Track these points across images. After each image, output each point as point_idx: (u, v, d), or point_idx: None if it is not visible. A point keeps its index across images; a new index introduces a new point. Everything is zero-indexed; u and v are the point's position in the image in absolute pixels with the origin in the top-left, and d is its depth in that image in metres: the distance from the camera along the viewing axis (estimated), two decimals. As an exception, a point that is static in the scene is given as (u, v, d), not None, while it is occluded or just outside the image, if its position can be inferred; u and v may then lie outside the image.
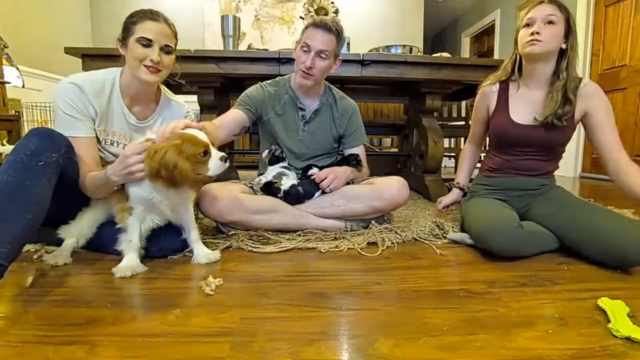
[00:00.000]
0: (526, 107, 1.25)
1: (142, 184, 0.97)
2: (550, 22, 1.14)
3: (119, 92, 1.14)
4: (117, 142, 1.16)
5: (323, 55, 1.32)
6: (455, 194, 1.54)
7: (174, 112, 1.27)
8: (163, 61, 1.09)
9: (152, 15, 1.08)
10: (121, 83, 1.14)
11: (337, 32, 1.33)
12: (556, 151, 1.27)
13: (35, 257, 1.07)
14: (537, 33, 1.13)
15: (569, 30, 1.16)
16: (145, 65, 1.07)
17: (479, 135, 1.48)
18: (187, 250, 1.12)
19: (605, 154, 1.18)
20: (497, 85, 1.34)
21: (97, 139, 1.13)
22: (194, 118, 1.32)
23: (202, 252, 1.07)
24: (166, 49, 1.10)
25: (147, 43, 1.06)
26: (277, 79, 1.53)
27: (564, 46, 1.17)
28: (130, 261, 0.97)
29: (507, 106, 1.29)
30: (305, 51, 1.33)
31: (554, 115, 1.17)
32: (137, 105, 1.18)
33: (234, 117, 1.39)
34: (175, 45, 1.15)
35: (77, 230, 1.06)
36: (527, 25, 1.18)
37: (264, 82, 1.51)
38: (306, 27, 1.35)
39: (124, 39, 1.09)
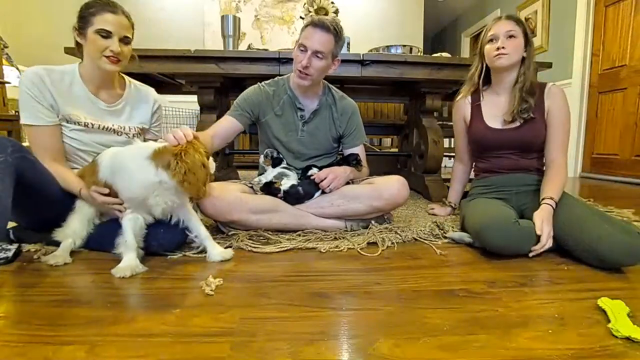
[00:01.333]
0: (497, 112, 1.38)
1: (134, 188, 0.99)
2: (511, 36, 1.29)
3: (80, 81, 1.18)
4: (91, 124, 1.19)
5: (319, 56, 1.31)
6: (446, 209, 1.69)
7: (141, 94, 1.34)
8: (123, 51, 1.14)
9: (110, 7, 1.11)
10: (82, 72, 1.19)
11: (335, 32, 1.32)
12: (533, 149, 1.35)
13: (35, 257, 1.06)
14: (503, 47, 1.28)
15: (527, 41, 1.31)
16: (105, 56, 1.12)
17: (464, 151, 1.57)
18: (198, 248, 1.13)
19: (548, 151, 1.32)
20: (469, 97, 1.47)
21: (74, 122, 1.16)
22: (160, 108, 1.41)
23: (215, 251, 1.08)
24: (125, 40, 1.15)
25: (106, 34, 1.10)
26: (276, 78, 1.53)
27: (524, 54, 1.32)
28: (129, 261, 0.97)
29: (481, 114, 1.41)
30: (302, 51, 1.32)
31: (517, 113, 1.30)
32: (102, 91, 1.23)
33: (228, 125, 1.41)
34: (133, 35, 1.19)
35: (71, 232, 1.07)
36: (491, 40, 1.32)
37: (262, 82, 1.51)
38: (305, 26, 1.34)
39: (81, 28, 1.12)
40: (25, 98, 1.10)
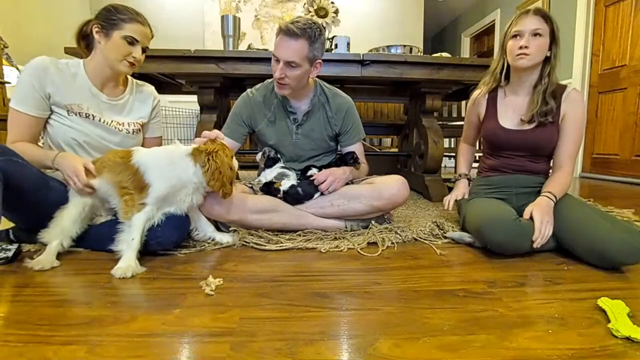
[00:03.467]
0: (513, 112, 1.33)
1: (173, 181, 1.06)
2: (537, 35, 1.20)
3: (85, 75, 1.21)
4: (92, 115, 1.21)
5: (293, 65, 1.27)
6: (462, 185, 1.52)
7: (142, 91, 1.37)
8: (141, 59, 1.23)
9: (140, 19, 1.20)
10: (87, 70, 1.22)
11: (308, 36, 1.25)
12: (544, 153, 1.31)
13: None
14: (526, 47, 1.19)
15: (554, 40, 1.22)
16: (128, 61, 1.19)
17: (472, 137, 1.56)
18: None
19: (557, 156, 1.29)
20: (487, 93, 1.41)
21: (76, 113, 1.17)
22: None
23: (225, 237, 1.22)
24: (144, 49, 1.23)
25: (132, 42, 1.18)
26: (265, 82, 1.51)
27: (548, 54, 1.24)
28: (128, 261, 0.97)
29: (496, 113, 1.37)
30: (276, 61, 1.29)
31: (537, 114, 1.25)
32: (105, 87, 1.26)
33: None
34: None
35: (58, 232, 1.04)
36: (515, 36, 1.23)
37: (252, 89, 1.50)
38: (276, 34, 1.30)
39: (105, 28, 1.15)
40: (23, 84, 1.13)
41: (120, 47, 1.16)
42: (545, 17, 1.21)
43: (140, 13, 1.20)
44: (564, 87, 1.29)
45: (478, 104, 1.44)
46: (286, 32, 1.25)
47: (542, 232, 1.09)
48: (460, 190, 1.50)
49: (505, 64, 1.32)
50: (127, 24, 1.15)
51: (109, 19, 1.15)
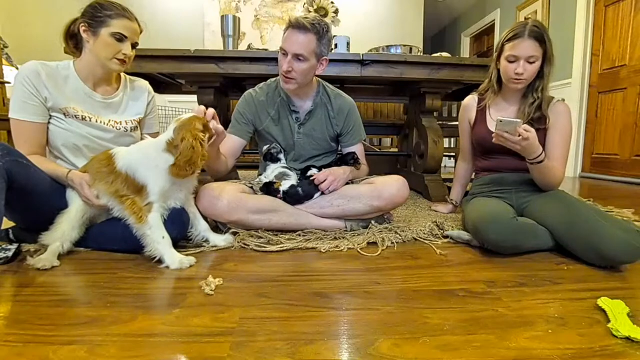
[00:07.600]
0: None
1: (165, 179, 1.04)
2: (532, 62, 1.24)
3: (76, 76, 1.19)
4: (88, 117, 1.20)
5: (301, 58, 1.28)
6: (448, 207, 1.74)
7: (136, 87, 1.35)
8: (131, 55, 1.20)
9: (128, 14, 1.16)
10: (78, 69, 1.20)
11: (317, 31, 1.27)
12: None
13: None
14: (522, 74, 1.25)
15: (547, 59, 1.26)
16: (118, 59, 1.16)
17: (469, 150, 1.57)
18: (193, 241, 1.17)
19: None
20: (476, 98, 1.46)
21: (72, 116, 1.16)
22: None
23: (218, 238, 1.20)
24: (134, 45, 1.20)
25: (121, 38, 1.15)
26: (268, 81, 1.52)
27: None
28: (174, 256, 1.01)
29: (485, 117, 1.41)
30: (283, 54, 1.30)
31: (528, 122, 1.27)
32: (99, 86, 1.24)
33: (233, 144, 1.44)
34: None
35: (59, 235, 1.05)
36: (511, 61, 1.27)
37: (255, 88, 1.50)
38: (285, 29, 1.31)
39: (92, 26, 1.13)
40: (19, 93, 1.11)
41: (109, 45, 1.13)
42: (541, 40, 1.22)
43: (127, 8, 1.16)
44: (551, 98, 1.32)
45: (468, 110, 1.48)
46: (296, 25, 1.27)
47: (505, 136, 1.12)
48: (443, 211, 1.72)
49: (498, 74, 1.36)
50: (114, 20, 1.12)
51: (95, 16, 1.12)
